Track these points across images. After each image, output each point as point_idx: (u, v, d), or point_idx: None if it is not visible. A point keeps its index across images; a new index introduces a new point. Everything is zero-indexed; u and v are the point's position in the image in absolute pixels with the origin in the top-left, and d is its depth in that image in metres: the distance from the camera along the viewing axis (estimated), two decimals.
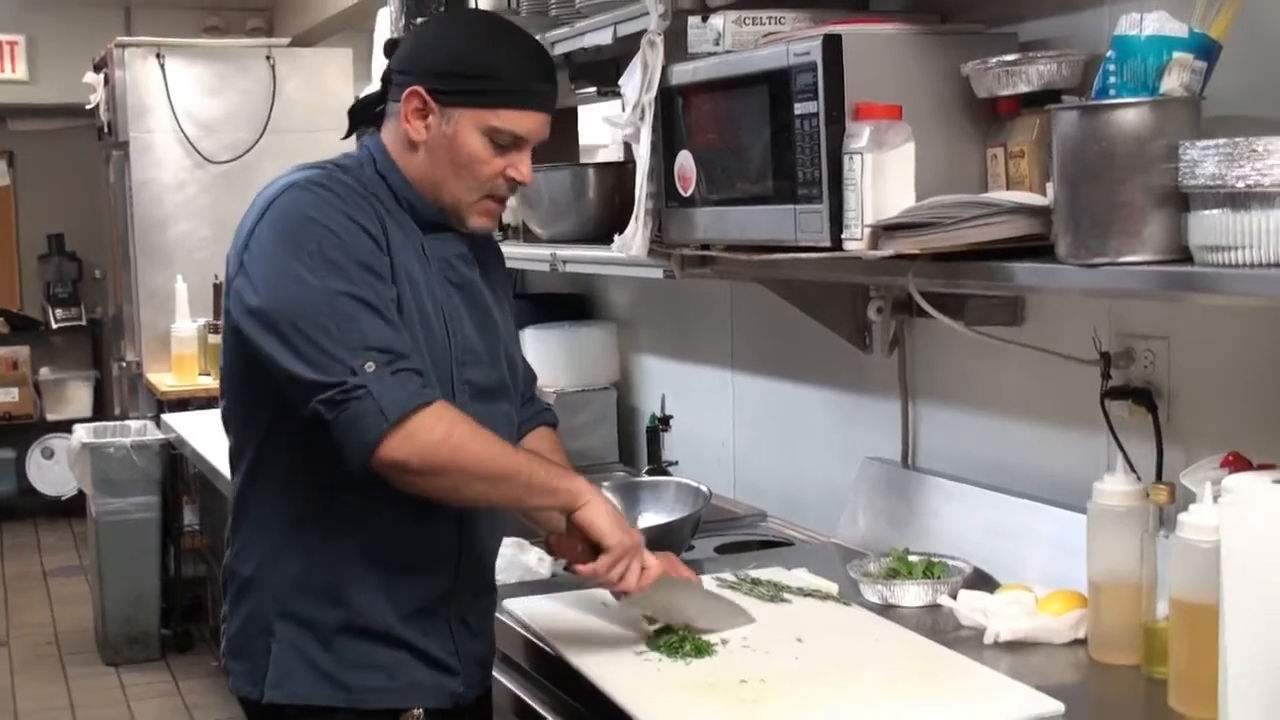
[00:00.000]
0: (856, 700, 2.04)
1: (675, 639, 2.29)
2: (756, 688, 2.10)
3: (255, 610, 2.27)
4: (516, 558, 2.77)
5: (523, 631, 2.47)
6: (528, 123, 2.24)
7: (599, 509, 2.20)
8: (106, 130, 6.83)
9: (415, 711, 2.28)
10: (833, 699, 2.05)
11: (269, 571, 2.26)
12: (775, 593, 2.55)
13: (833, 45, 2.29)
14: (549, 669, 2.40)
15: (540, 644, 2.41)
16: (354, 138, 2.42)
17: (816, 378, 3.26)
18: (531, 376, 2.62)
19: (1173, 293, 1.89)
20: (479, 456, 2.13)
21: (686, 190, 2.69)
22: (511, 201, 3.85)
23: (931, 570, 2.54)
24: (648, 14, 2.74)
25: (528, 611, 2.51)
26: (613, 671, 2.20)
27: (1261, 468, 1.91)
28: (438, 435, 2.10)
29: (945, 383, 2.87)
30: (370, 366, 2.08)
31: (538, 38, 3.31)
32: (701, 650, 2.26)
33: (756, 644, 2.29)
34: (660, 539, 2.83)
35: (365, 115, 2.35)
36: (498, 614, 2.51)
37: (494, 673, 2.51)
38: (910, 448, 2.97)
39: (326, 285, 2.10)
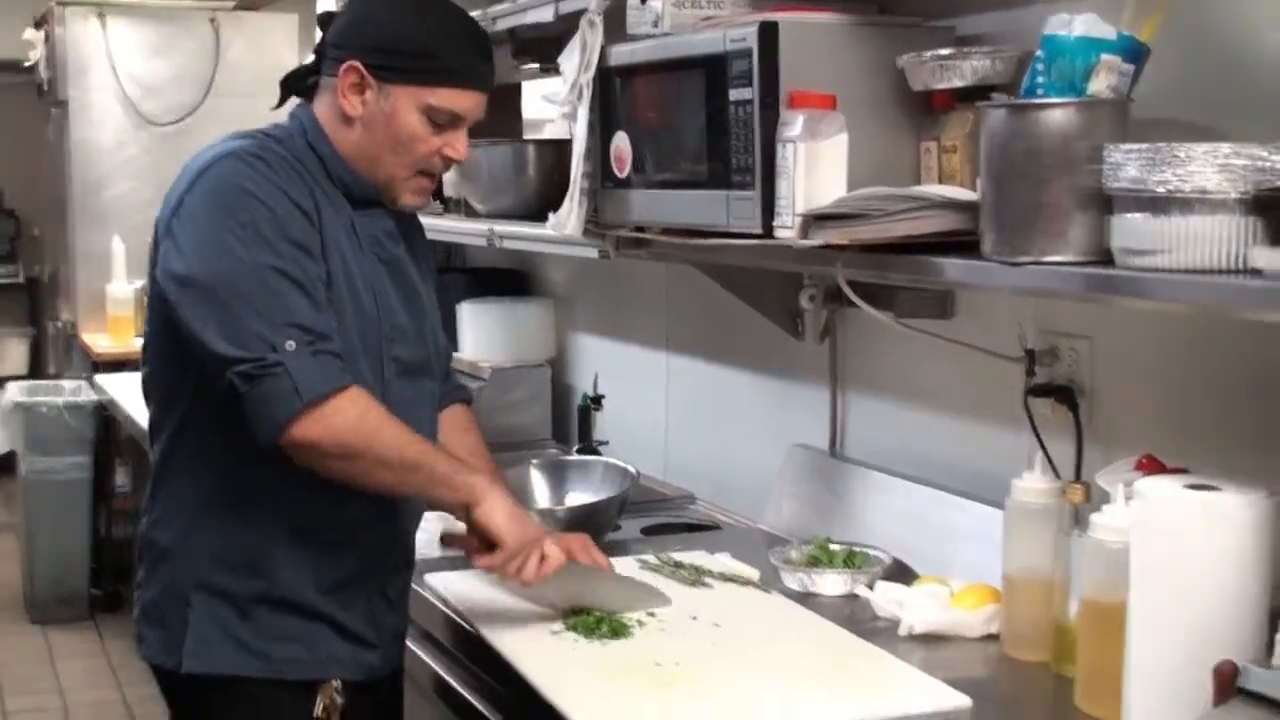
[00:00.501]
0: (767, 686, 2.05)
1: (592, 619, 2.29)
2: (670, 670, 2.11)
3: (172, 580, 2.26)
4: (439, 533, 2.76)
5: (442, 607, 2.48)
6: (465, 101, 2.24)
7: (496, 506, 2.21)
8: (46, 88, 6.75)
9: (333, 683, 2.28)
10: (744, 685, 2.06)
11: (187, 542, 2.25)
12: (696, 577, 2.56)
13: (769, 32, 2.29)
14: (467, 645, 2.40)
15: (459, 620, 2.41)
16: (285, 108, 2.39)
17: (749, 363, 3.27)
18: (449, 353, 2.61)
19: (1093, 294, 1.90)
20: (389, 444, 2.14)
21: (622, 171, 2.68)
22: (452, 175, 3.88)
23: (852, 560, 2.56)
24: None
25: (448, 587, 2.51)
26: (528, 650, 2.21)
27: (1174, 471, 1.93)
28: (351, 419, 2.11)
29: (875, 373, 2.88)
30: (291, 345, 2.07)
31: (480, 12, 3.33)
32: (618, 631, 2.26)
33: (673, 627, 2.30)
34: (586, 518, 2.85)
35: (298, 86, 2.34)
36: (418, 588, 2.51)
37: (413, 648, 2.51)
38: (838, 436, 2.98)
39: (256, 259, 2.10)
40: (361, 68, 2.20)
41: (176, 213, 2.17)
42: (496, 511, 2.21)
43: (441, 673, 2.46)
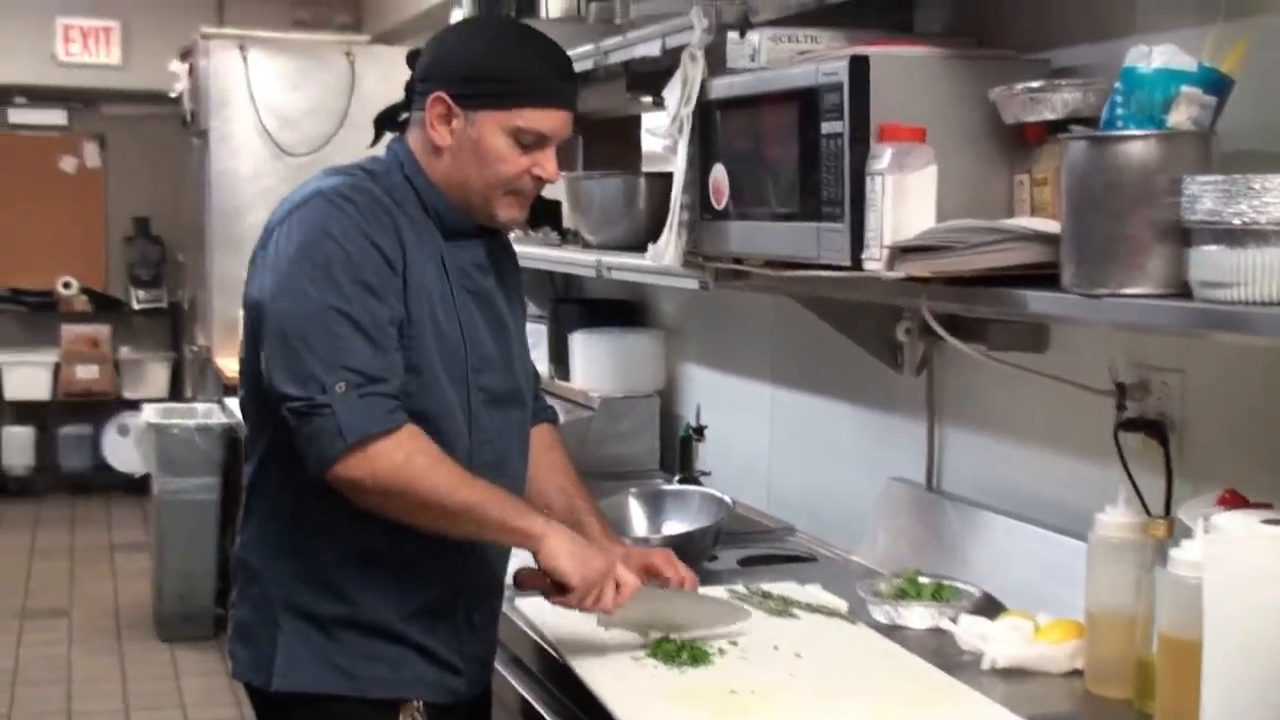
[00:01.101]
0: (841, 716, 2.05)
1: (673, 647, 2.31)
2: (745, 699, 2.12)
3: (261, 600, 2.33)
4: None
5: (529, 632, 2.51)
6: (550, 120, 2.28)
7: (558, 549, 2.23)
8: (189, 119, 6.97)
9: (415, 703, 2.32)
10: (819, 714, 2.07)
11: (274, 563, 2.32)
12: (784, 607, 2.56)
13: (859, 66, 2.30)
14: (552, 670, 2.43)
15: (544, 645, 2.44)
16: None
17: (850, 395, 3.27)
18: (535, 375, 2.65)
19: (1169, 326, 1.88)
20: (433, 487, 2.17)
21: (720, 203, 2.71)
22: (567, 207, 3.94)
23: (940, 593, 2.54)
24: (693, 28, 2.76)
25: (536, 613, 2.53)
26: (608, 675, 2.23)
27: (1257, 506, 1.90)
28: (395, 461, 2.15)
29: (971, 406, 2.87)
30: (340, 387, 2.13)
31: (592, 45, 3.39)
32: (698, 658, 2.28)
33: (753, 655, 2.31)
34: (680, 548, 2.85)
35: (390, 123, 2.40)
36: (508, 612, 2.54)
37: (502, 671, 2.54)
38: (935, 470, 2.97)
39: (324, 300, 2.16)
40: (447, 98, 2.25)
41: (265, 245, 2.26)
42: (559, 554, 2.24)
43: (528, 697, 2.49)
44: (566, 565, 2.23)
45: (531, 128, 2.26)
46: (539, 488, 2.52)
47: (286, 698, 2.30)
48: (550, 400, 2.77)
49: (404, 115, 2.37)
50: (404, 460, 2.16)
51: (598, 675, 2.24)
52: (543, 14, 4.93)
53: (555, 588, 2.26)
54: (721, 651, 2.32)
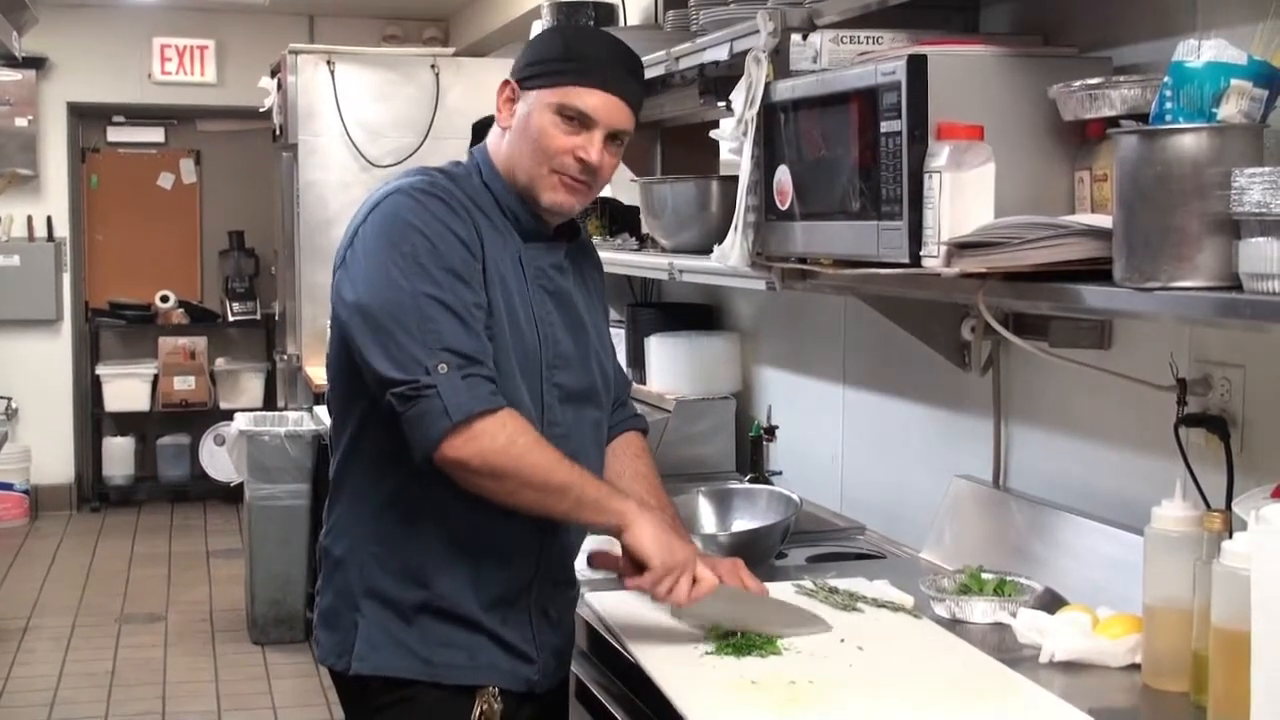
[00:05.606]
0: (897, 710, 2.07)
1: (741, 641, 2.33)
2: (803, 689, 2.14)
3: (344, 587, 2.40)
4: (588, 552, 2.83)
5: (596, 625, 2.55)
6: (593, 100, 2.34)
7: (644, 531, 2.27)
8: (279, 133, 7.09)
9: (491, 689, 2.37)
10: (873, 707, 2.09)
11: (357, 551, 2.39)
12: (850, 602, 2.58)
13: (917, 65, 2.32)
14: (611, 658, 2.47)
15: (609, 638, 2.48)
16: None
17: (919, 395, 3.29)
18: (625, 382, 2.70)
19: (1221, 319, 1.89)
20: (536, 467, 2.23)
21: (784, 204, 2.74)
22: (643, 211, 3.98)
23: (1002, 588, 2.55)
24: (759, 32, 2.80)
25: (605, 606, 2.57)
26: (667, 664, 2.27)
27: None
28: (500, 441, 2.21)
29: (1037, 403, 2.88)
30: (443, 368, 2.19)
31: (664, 52, 3.43)
32: (761, 651, 2.30)
33: (817, 649, 2.34)
34: (747, 545, 2.90)
35: (487, 130, 2.49)
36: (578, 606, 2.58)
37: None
38: (1001, 468, 2.98)
39: (415, 288, 2.23)
40: (513, 82, 2.38)
41: (351, 244, 2.34)
42: (644, 535, 2.27)
43: (589, 686, 2.54)
44: (650, 547, 2.26)
45: (574, 104, 2.32)
46: None
47: (366, 681, 2.37)
48: None
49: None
50: (508, 440, 2.21)
51: (656, 663, 2.27)
52: (621, 22, 5.01)
53: (633, 568, 2.29)
54: (784, 645, 2.34)
